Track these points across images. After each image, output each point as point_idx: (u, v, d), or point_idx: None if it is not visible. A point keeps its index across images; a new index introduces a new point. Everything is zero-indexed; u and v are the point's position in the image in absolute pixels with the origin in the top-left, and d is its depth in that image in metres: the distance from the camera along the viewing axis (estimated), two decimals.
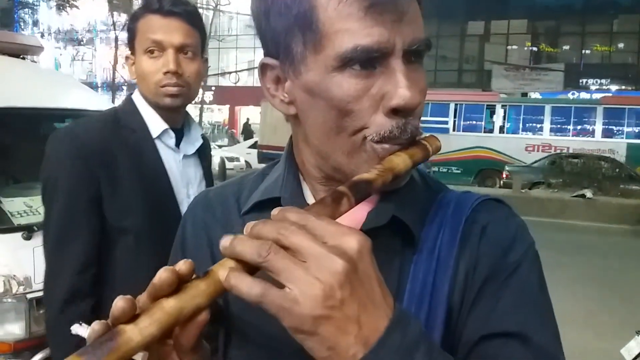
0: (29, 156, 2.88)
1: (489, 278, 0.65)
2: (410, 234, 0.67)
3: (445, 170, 15.74)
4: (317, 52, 0.61)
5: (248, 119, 24.39)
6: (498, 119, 16.87)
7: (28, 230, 2.30)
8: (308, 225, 0.49)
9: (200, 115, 22.00)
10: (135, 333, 0.46)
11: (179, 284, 0.49)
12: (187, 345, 0.53)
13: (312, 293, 0.46)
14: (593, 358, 4.03)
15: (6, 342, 2.13)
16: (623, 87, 23.91)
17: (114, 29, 21.90)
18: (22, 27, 25.67)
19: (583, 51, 25.29)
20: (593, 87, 24.10)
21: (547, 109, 16.53)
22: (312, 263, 0.47)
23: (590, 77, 24.43)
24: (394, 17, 0.59)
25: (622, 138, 15.73)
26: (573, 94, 22.73)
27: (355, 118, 0.62)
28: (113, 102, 17.40)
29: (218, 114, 32.33)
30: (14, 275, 2.16)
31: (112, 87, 23.22)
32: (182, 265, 0.50)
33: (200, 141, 1.63)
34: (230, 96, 28.86)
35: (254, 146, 17.94)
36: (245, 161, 17.27)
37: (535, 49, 25.92)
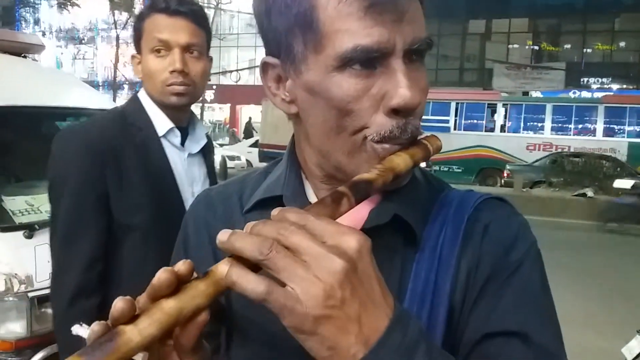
0: (31, 155, 2.89)
1: (490, 277, 0.65)
2: (412, 232, 0.67)
3: (446, 169, 15.73)
4: (318, 52, 0.61)
5: (250, 118, 24.38)
6: (499, 118, 16.86)
7: (29, 229, 2.31)
8: (308, 225, 0.49)
9: (201, 114, 22.02)
10: (134, 334, 0.46)
11: (178, 285, 0.49)
12: (188, 345, 0.53)
13: (313, 293, 0.46)
14: (593, 357, 4.03)
15: (8, 341, 2.13)
16: (624, 86, 23.88)
17: (115, 28, 21.91)
18: (24, 25, 25.69)
19: (584, 50, 25.25)
20: (594, 86, 24.07)
21: (549, 107, 16.51)
22: (312, 263, 0.47)
23: (591, 76, 24.40)
24: (394, 17, 0.59)
25: (624, 137, 15.71)
26: (574, 92, 22.69)
27: (355, 118, 0.62)
28: (114, 100, 17.42)
29: (219, 112, 32.33)
30: (16, 274, 2.16)
31: (114, 85, 23.22)
32: (182, 266, 0.50)
33: (205, 140, 1.65)
34: (232, 95, 28.85)
35: (255, 145, 17.94)
36: (247, 160, 17.26)
37: (536, 47, 25.88)
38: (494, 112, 16.95)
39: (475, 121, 16.90)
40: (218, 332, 0.75)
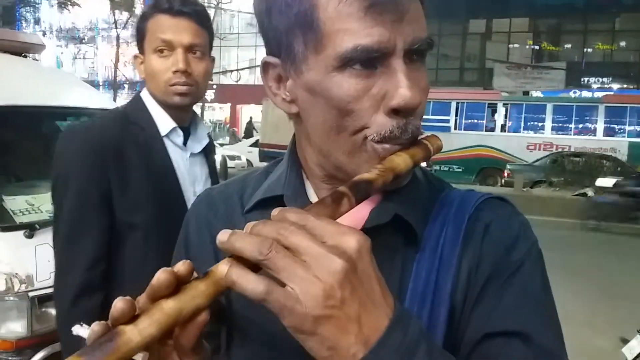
0: (31, 154, 2.90)
1: (491, 276, 0.65)
2: (413, 232, 0.67)
3: (446, 168, 15.73)
4: (318, 52, 0.61)
5: (251, 118, 24.37)
6: (499, 118, 16.86)
7: (30, 229, 2.31)
8: (307, 225, 0.49)
9: (202, 114, 22.01)
10: (134, 334, 0.46)
11: (178, 285, 0.49)
12: (188, 345, 0.53)
13: (312, 293, 0.46)
14: (593, 356, 4.03)
15: (8, 340, 2.14)
16: (625, 86, 23.87)
17: (116, 27, 21.92)
18: (24, 25, 25.71)
19: (585, 49, 25.24)
20: (595, 86, 24.05)
21: (549, 107, 16.51)
22: (311, 263, 0.47)
23: (592, 75, 24.38)
24: (394, 17, 0.59)
25: (624, 136, 15.71)
26: (575, 92, 22.68)
27: (355, 118, 0.62)
28: (115, 100, 17.43)
29: (219, 112, 32.33)
30: (16, 274, 2.16)
31: (114, 85, 23.24)
32: (181, 267, 0.50)
33: (207, 140, 1.66)
34: (232, 94, 28.85)
35: (255, 144, 17.94)
36: (247, 160, 17.26)
37: (537, 47, 25.87)
38: (494, 111, 16.95)
39: (475, 121, 16.90)
40: (218, 332, 0.75)
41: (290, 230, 0.48)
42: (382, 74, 0.61)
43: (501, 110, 16.89)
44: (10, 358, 2.13)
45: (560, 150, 15.40)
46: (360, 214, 0.66)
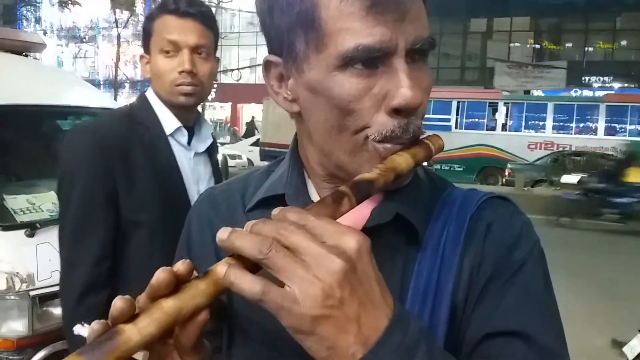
0: (32, 154, 2.90)
1: (493, 276, 0.65)
2: (414, 231, 0.67)
3: (447, 168, 15.73)
4: (319, 51, 0.61)
5: (253, 117, 24.37)
6: (500, 117, 16.86)
7: (31, 228, 2.31)
8: (307, 225, 0.49)
9: (203, 113, 21.96)
10: (134, 333, 0.46)
11: (178, 284, 0.49)
12: (188, 344, 0.53)
13: (311, 292, 0.46)
14: (594, 355, 4.03)
15: (9, 339, 2.14)
16: (626, 85, 23.84)
17: (117, 27, 21.93)
18: (25, 24, 25.73)
19: (586, 49, 25.22)
20: (596, 85, 24.03)
21: (550, 106, 16.51)
22: (311, 262, 0.47)
23: (593, 74, 24.37)
24: (396, 16, 0.59)
25: (625, 136, 15.69)
26: (576, 91, 22.65)
27: (357, 117, 0.62)
28: (115, 99, 17.43)
29: (220, 111, 32.34)
30: (17, 273, 2.17)
31: (115, 84, 23.24)
32: (180, 266, 0.50)
33: (211, 139, 1.67)
34: (233, 94, 28.84)
35: (256, 144, 17.95)
36: (248, 159, 17.27)
37: (537, 46, 25.85)
38: (495, 110, 16.95)
39: (476, 120, 16.91)
40: (220, 331, 0.75)
41: (290, 230, 0.48)
42: (383, 73, 0.61)
43: (502, 109, 16.89)
44: (11, 357, 2.13)
45: (561, 149, 15.39)
46: (361, 213, 0.66)
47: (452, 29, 25.39)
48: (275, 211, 0.51)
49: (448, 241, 0.66)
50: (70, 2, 23.02)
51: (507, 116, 16.94)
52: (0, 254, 2.21)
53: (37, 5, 27.58)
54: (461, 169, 15.98)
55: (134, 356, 0.47)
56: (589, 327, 4.38)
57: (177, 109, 1.55)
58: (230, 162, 14.55)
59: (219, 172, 1.73)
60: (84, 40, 28.78)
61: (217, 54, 1.61)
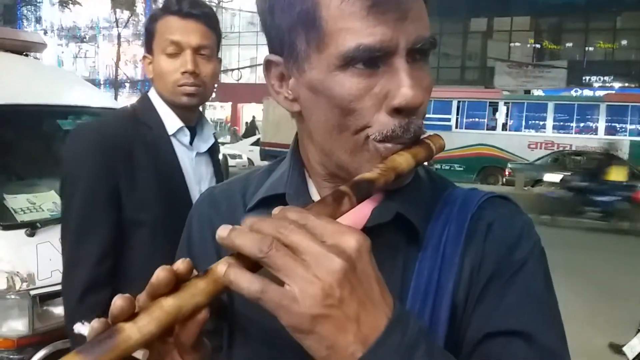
0: (32, 153, 2.90)
1: (494, 275, 0.65)
2: (415, 231, 0.67)
3: (447, 167, 15.72)
4: (320, 51, 0.61)
5: (254, 117, 24.36)
6: (501, 117, 16.85)
7: (31, 227, 2.31)
8: (308, 224, 0.49)
9: (203, 112, 21.99)
10: (134, 331, 0.46)
11: (178, 283, 0.49)
12: (188, 343, 0.53)
13: (311, 292, 0.46)
14: (595, 354, 4.03)
15: (9, 339, 2.14)
16: (626, 85, 23.82)
17: (117, 26, 21.95)
18: (25, 24, 25.74)
19: (586, 48, 25.20)
20: (596, 85, 24.02)
21: (550, 106, 16.50)
22: (311, 262, 0.47)
23: (593, 74, 24.35)
24: (397, 16, 0.59)
25: (625, 135, 15.69)
26: (576, 91, 22.64)
27: (357, 117, 0.62)
28: (116, 99, 17.44)
29: (220, 111, 32.34)
30: (17, 272, 2.17)
31: (115, 84, 23.26)
32: (180, 265, 0.50)
33: (213, 140, 1.68)
34: (233, 93, 28.85)
35: (256, 143, 17.95)
36: (248, 158, 17.27)
37: (538, 46, 25.83)
38: (495, 110, 16.94)
39: (476, 119, 16.90)
40: (221, 331, 0.76)
41: (290, 228, 0.48)
42: (384, 73, 0.61)
43: (502, 109, 16.88)
44: (11, 356, 2.13)
45: (561, 149, 15.38)
46: (362, 212, 0.66)
47: (453, 28, 25.38)
48: (276, 210, 0.51)
49: (449, 240, 0.66)
50: (70, 1, 23.04)
51: (507, 116, 16.93)
52: (0, 253, 2.21)
53: (38, 4, 27.60)
54: (461, 169, 15.97)
55: (134, 355, 0.47)
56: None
57: (179, 109, 1.56)
58: (231, 162, 14.56)
59: (221, 172, 1.73)
60: (85, 39, 28.79)
61: (218, 54, 1.62)
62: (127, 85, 26.42)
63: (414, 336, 0.49)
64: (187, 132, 1.59)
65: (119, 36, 21.73)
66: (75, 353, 0.45)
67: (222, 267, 0.49)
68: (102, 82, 27.40)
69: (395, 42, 0.59)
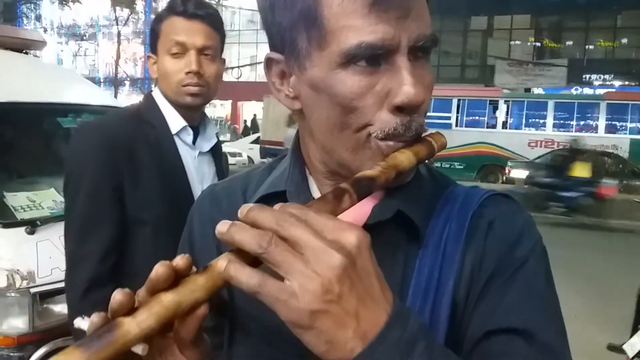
0: (32, 151, 2.90)
1: (495, 273, 0.65)
2: (415, 228, 0.67)
3: (447, 165, 15.72)
4: (322, 48, 0.61)
5: (255, 115, 24.35)
6: (501, 115, 16.85)
7: (31, 225, 2.31)
8: (308, 221, 0.49)
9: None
10: (133, 326, 0.47)
11: (177, 279, 0.50)
12: (187, 338, 0.54)
13: (310, 287, 0.46)
14: (595, 353, 4.03)
15: (10, 336, 2.14)
16: (626, 83, 23.80)
17: (117, 24, 21.94)
18: (25, 22, 25.73)
19: (586, 46, 25.19)
20: (596, 83, 24.00)
21: (550, 104, 16.50)
22: (310, 257, 0.47)
23: (593, 72, 24.32)
24: (399, 14, 0.59)
25: (626, 134, 15.70)
26: (576, 89, 22.64)
27: (359, 115, 0.62)
28: (116, 97, 17.45)
29: (220, 109, 32.33)
30: (18, 270, 2.17)
31: (115, 82, 23.25)
32: (180, 260, 0.50)
33: (215, 139, 1.70)
34: (233, 91, 28.84)
35: (256, 141, 17.95)
36: (248, 156, 17.28)
37: (538, 44, 25.82)
38: (495, 108, 16.94)
39: (476, 118, 16.90)
40: (221, 328, 0.76)
41: (290, 222, 0.48)
42: (386, 71, 0.61)
43: (502, 107, 16.87)
44: (11, 354, 2.13)
45: (561, 147, 15.37)
46: (362, 210, 0.66)
47: (453, 26, 25.36)
48: (276, 207, 0.51)
49: (449, 238, 0.66)
50: None
51: (507, 114, 16.93)
52: (0, 251, 2.22)
53: (37, 2, 27.59)
54: (461, 167, 15.97)
55: (133, 349, 0.47)
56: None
57: (183, 109, 1.57)
58: (231, 160, 14.56)
59: (223, 172, 1.75)
60: (84, 38, 28.80)
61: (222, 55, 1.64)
62: (127, 83, 26.43)
63: (414, 333, 0.49)
64: (190, 132, 1.60)
65: (118, 34, 21.73)
66: (75, 347, 0.45)
67: (222, 263, 0.49)
68: (102, 80, 27.41)
69: (397, 40, 0.59)
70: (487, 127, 16.76)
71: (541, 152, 15.39)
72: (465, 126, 16.66)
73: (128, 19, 22.73)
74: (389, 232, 0.66)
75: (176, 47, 1.51)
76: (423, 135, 0.65)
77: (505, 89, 20.28)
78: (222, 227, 0.50)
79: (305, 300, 0.46)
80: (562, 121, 16.42)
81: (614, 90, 20.65)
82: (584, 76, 24.25)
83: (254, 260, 0.49)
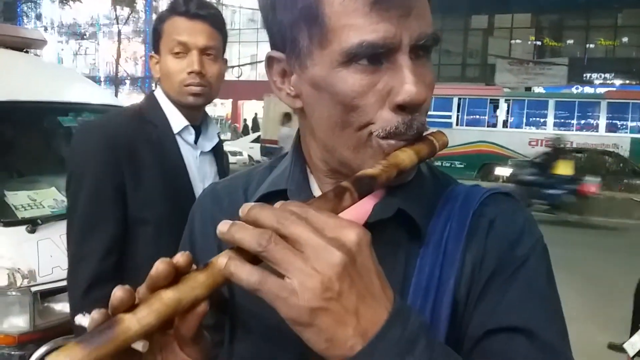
0: (33, 150, 2.90)
1: (495, 272, 0.65)
2: (416, 227, 0.67)
3: (448, 164, 15.72)
4: (323, 47, 0.61)
5: (256, 114, 24.33)
6: (501, 114, 16.85)
7: (32, 224, 2.31)
8: (308, 218, 0.49)
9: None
10: (133, 322, 0.47)
11: (177, 276, 0.50)
12: (187, 335, 0.54)
13: (310, 285, 0.46)
14: (596, 352, 4.03)
15: (10, 335, 2.14)
16: (627, 82, 23.76)
17: (117, 23, 21.93)
18: (26, 21, 25.73)
19: (587, 45, 25.16)
20: (597, 82, 23.97)
21: (551, 103, 16.49)
22: (310, 254, 0.47)
23: (594, 71, 24.30)
24: (400, 12, 0.59)
25: (626, 132, 15.70)
26: (577, 88, 22.62)
27: (361, 113, 0.62)
28: (116, 96, 17.45)
29: (221, 108, 32.33)
30: (18, 269, 2.17)
31: (115, 81, 23.26)
32: (180, 258, 0.50)
33: (217, 139, 1.71)
34: (233, 90, 28.83)
35: (257, 140, 17.95)
36: (249, 155, 17.28)
37: (539, 43, 25.79)
38: (496, 107, 16.94)
39: (477, 117, 16.90)
40: (222, 326, 0.76)
41: (290, 219, 0.48)
42: (387, 69, 0.61)
43: (503, 106, 16.87)
44: (12, 352, 2.13)
45: (562, 146, 15.36)
46: (363, 208, 0.66)
47: (454, 25, 25.33)
48: (277, 205, 0.51)
49: (450, 237, 0.66)
50: None
51: (508, 113, 16.93)
52: (1, 250, 2.22)
53: (38, 1, 27.59)
54: (462, 166, 15.97)
55: (134, 346, 0.47)
56: None
57: (185, 109, 1.58)
58: (231, 159, 14.55)
59: (225, 171, 1.75)
60: (85, 37, 28.79)
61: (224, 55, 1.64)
62: (127, 82, 26.43)
63: (414, 331, 0.49)
64: (192, 131, 1.61)
65: (119, 33, 21.72)
66: (75, 343, 0.45)
67: (222, 260, 0.49)
68: (102, 79, 27.42)
69: (398, 38, 0.59)
70: (488, 126, 16.76)
71: (542, 151, 15.39)
72: (466, 125, 16.67)
73: (128, 17, 22.73)
74: (390, 230, 0.66)
75: (178, 47, 1.51)
76: (425, 134, 0.66)
77: (506, 87, 20.26)
78: (223, 226, 0.50)
79: (305, 297, 0.46)
80: (562, 120, 16.41)
81: (614, 89, 20.65)
82: (584, 75, 24.23)
83: (254, 259, 0.49)
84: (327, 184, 0.71)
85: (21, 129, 2.87)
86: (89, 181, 1.47)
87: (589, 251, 7.74)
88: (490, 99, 17.07)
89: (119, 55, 22.07)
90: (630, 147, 15.14)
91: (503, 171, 12.19)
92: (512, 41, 25.82)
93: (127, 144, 1.49)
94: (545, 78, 22.97)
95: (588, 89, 22.57)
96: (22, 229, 2.30)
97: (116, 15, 22.09)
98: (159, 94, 1.60)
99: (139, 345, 0.48)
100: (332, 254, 0.46)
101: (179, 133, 1.58)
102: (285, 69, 0.67)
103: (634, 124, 15.78)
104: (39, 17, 27.67)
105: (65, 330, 2.11)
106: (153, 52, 1.60)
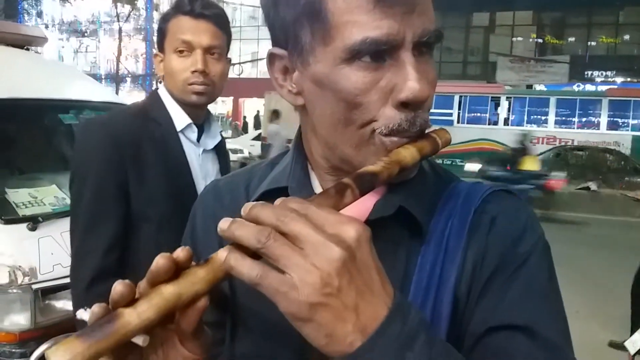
0: (34, 147, 2.90)
1: (497, 269, 0.64)
2: (417, 224, 0.66)
3: (449, 162, 15.71)
4: (326, 44, 0.61)
5: (258, 112, 24.33)
6: (503, 111, 16.84)
7: (33, 221, 2.31)
8: (308, 214, 0.49)
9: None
10: (133, 317, 0.47)
11: (178, 271, 0.50)
12: (188, 330, 0.54)
13: (309, 280, 0.46)
14: (596, 351, 4.04)
15: (12, 333, 2.14)
16: (628, 79, 23.76)
17: (118, 21, 21.92)
18: (26, 18, 25.72)
19: (588, 43, 25.13)
20: (598, 79, 23.96)
21: (552, 101, 16.48)
22: (310, 250, 0.47)
23: (595, 69, 24.28)
24: (403, 9, 0.59)
25: (627, 130, 15.68)
26: (578, 86, 22.62)
27: (363, 111, 0.61)
28: (117, 93, 17.45)
29: (222, 105, 32.32)
30: (19, 266, 2.17)
31: (116, 78, 23.26)
32: (180, 253, 0.50)
33: (219, 137, 1.72)
34: (234, 88, 28.82)
35: (257, 138, 17.94)
36: (249, 153, 17.27)
37: (540, 40, 25.77)
38: (497, 105, 16.93)
39: (478, 114, 16.89)
40: (223, 323, 0.76)
41: (290, 216, 0.48)
42: (390, 66, 0.60)
43: (504, 103, 16.86)
44: (13, 350, 2.14)
45: (563, 144, 15.37)
46: (364, 205, 0.66)
47: (455, 23, 25.31)
48: (277, 202, 0.51)
49: (452, 234, 0.66)
50: None
51: (509, 111, 16.92)
52: (2, 247, 2.22)
53: None
54: (463, 164, 15.96)
55: (134, 340, 0.48)
56: None
57: (188, 107, 1.59)
58: (232, 157, 14.54)
59: (227, 169, 1.76)
60: (86, 34, 28.78)
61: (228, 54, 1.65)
62: (128, 79, 26.43)
63: (414, 327, 0.49)
64: (195, 129, 1.62)
65: (120, 30, 21.70)
66: (75, 337, 0.45)
67: (222, 254, 0.49)
68: (103, 77, 27.42)
69: (401, 35, 0.59)
70: (489, 124, 16.75)
71: (543, 148, 15.39)
72: (467, 123, 16.66)
73: (129, 15, 22.71)
74: (391, 228, 0.66)
75: (183, 46, 1.52)
76: (427, 131, 0.65)
77: (507, 85, 20.25)
78: (224, 224, 0.50)
79: (304, 292, 0.46)
80: (564, 118, 16.40)
81: (616, 87, 20.63)
82: (586, 73, 24.21)
83: (254, 257, 0.49)
84: (328, 181, 0.70)
85: (22, 126, 2.87)
86: (93, 178, 1.49)
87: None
88: (492, 97, 17.05)
89: (119, 53, 22.06)
90: (631, 144, 15.13)
91: (472, 167, 12.35)
92: (514, 39, 25.79)
93: (130, 141, 1.50)
94: (547, 76, 22.96)
95: (589, 87, 22.57)
96: (23, 226, 2.31)
97: (117, 12, 22.08)
98: (163, 92, 1.61)
99: (140, 340, 0.48)
100: (331, 250, 0.46)
101: (182, 131, 1.60)
102: (287, 66, 0.66)
103: (635, 121, 15.76)
104: (39, 14, 27.65)
105: (67, 327, 2.11)
106: (157, 51, 1.61)
